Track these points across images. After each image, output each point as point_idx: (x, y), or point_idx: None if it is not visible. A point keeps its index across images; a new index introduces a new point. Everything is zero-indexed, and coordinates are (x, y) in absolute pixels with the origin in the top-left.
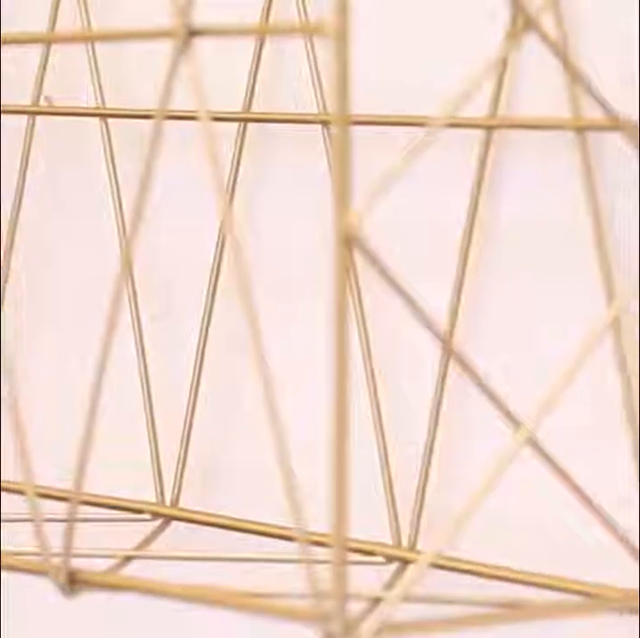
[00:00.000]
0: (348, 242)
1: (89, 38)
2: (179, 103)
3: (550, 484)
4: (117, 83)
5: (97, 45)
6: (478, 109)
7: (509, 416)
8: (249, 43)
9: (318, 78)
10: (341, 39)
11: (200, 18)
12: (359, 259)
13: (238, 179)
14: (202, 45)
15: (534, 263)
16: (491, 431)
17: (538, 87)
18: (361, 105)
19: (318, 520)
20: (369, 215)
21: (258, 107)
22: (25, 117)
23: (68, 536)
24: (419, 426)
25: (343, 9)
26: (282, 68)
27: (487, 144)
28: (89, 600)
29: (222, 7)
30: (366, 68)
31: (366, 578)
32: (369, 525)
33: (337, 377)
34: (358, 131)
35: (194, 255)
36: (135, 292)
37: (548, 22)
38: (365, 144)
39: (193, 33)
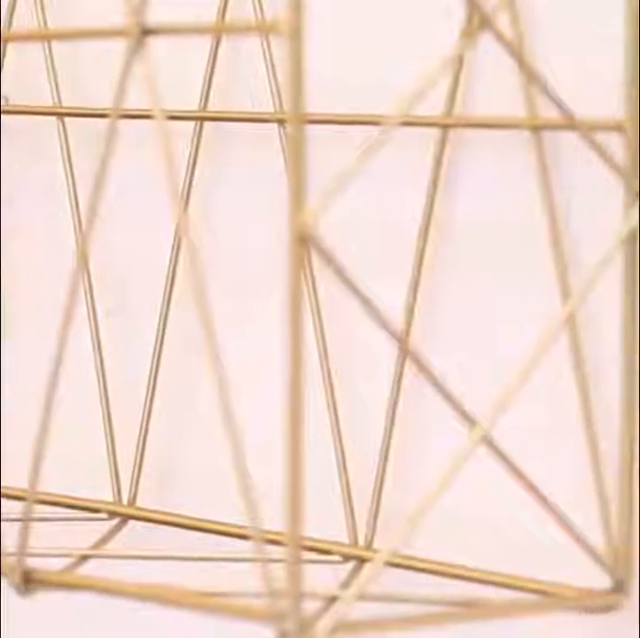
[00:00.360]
0: (303, 240)
1: (44, 37)
2: (137, 102)
3: (506, 483)
4: (73, 82)
5: (54, 45)
6: (434, 107)
7: (464, 415)
8: (205, 42)
9: (274, 76)
10: (295, 37)
11: (157, 17)
12: (315, 258)
13: (195, 177)
14: (159, 44)
15: (489, 262)
16: (447, 431)
17: (494, 86)
18: (316, 104)
19: (274, 520)
20: (324, 214)
21: (214, 106)
22: None
23: (23, 535)
24: (375, 425)
25: (297, 7)
26: (238, 67)
27: (442, 143)
28: (44, 599)
29: (177, 6)
30: (321, 67)
31: (324, 577)
32: (327, 524)
33: (292, 377)
34: (314, 130)
35: (150, 252)
36: (91, 286)
37: (503, 21)
38: (321, 143)
39: (147, 32)
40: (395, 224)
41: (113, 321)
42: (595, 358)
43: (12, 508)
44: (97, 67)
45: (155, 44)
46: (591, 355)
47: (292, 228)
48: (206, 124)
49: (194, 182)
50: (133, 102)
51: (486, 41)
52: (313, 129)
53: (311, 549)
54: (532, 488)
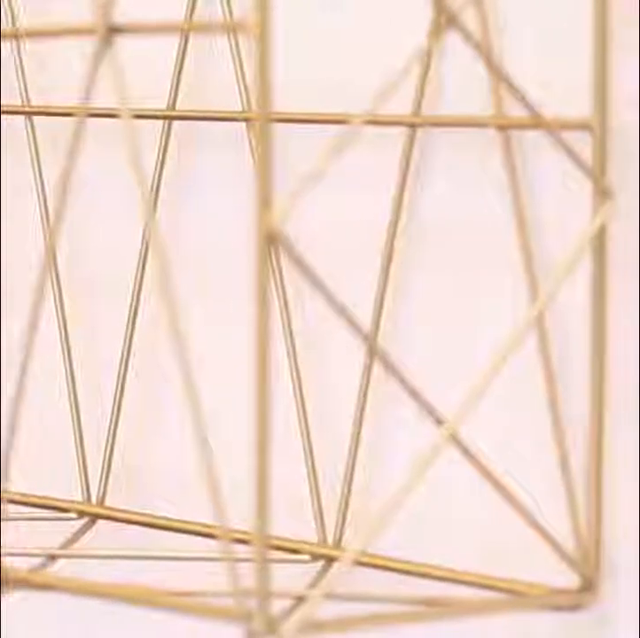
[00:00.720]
0: (270, 239)
1: (12, 35)
2: (109, 100)
3: (475, 482)
4: (41, 81)
5: (23, 44)
6: (402, 106)
7: (433, 414)
8: (175, 41)
9: (242, 76)
10: (263, 36)
11: (126, 15)
12: (285, 259)
13: (164, 176)
14: (138, 42)
15: (459, 260)
16: (416, 430)
17: (462, 85)
18: (284, 103)
19: (244, 519)
20: (292, 214)
21: (188, 105)
22: None
23: None
24: (344, 424)
25: (264, 6)
26: (210, 65)
27: (410, 142)
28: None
29: (145, 5)
30: (289, 65)
31: (294, 576)
32: (296, 523)
33: (259, 376)
34: (281, 129)
35: (120, 249)
36: (59, 284)
37: (471, 21)
38: (289, 142)
39: (114, 30)
40: (364, 224)
41: (80, 322)
42: (564, 357)
43: None
44: (66, 66)
45: (127, 43)
46: (560, 355)
47: (259, 226)
48: (179, 123)
49: (164, 181)
50: (104, 100)
51: (454, 40)
52: (280, 128)
53: (279, 548)
54: (501, 488)
